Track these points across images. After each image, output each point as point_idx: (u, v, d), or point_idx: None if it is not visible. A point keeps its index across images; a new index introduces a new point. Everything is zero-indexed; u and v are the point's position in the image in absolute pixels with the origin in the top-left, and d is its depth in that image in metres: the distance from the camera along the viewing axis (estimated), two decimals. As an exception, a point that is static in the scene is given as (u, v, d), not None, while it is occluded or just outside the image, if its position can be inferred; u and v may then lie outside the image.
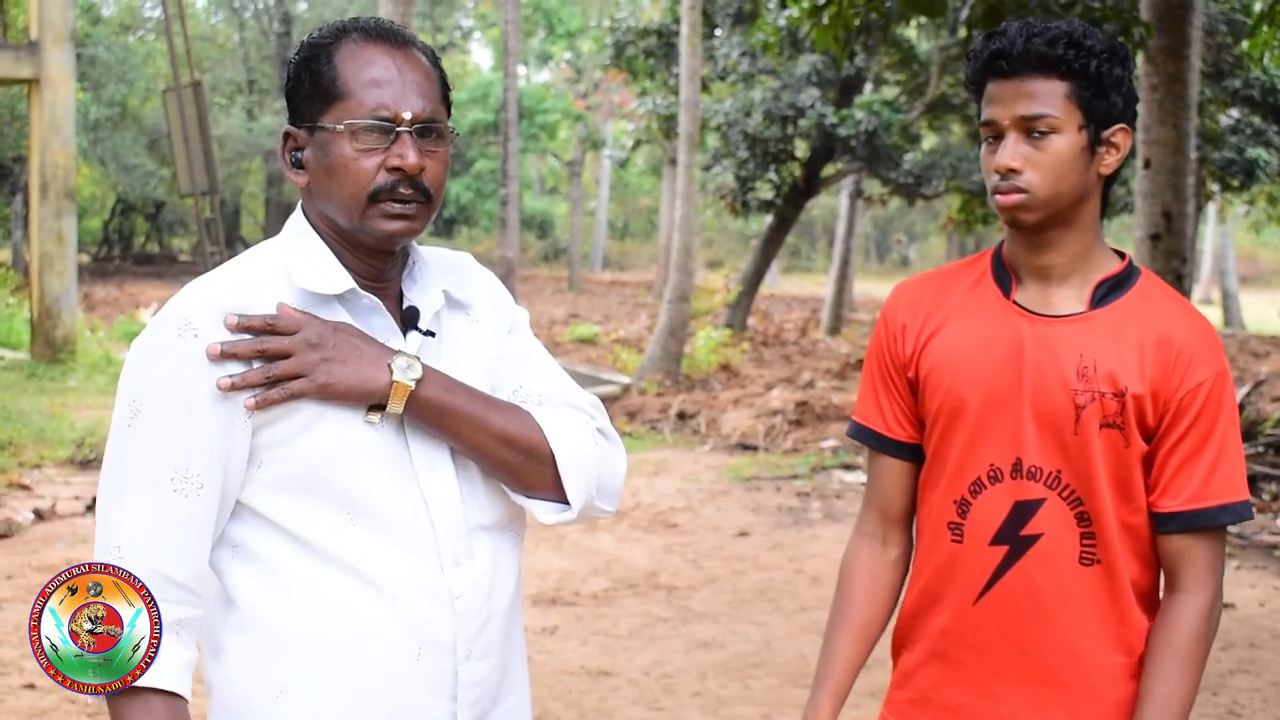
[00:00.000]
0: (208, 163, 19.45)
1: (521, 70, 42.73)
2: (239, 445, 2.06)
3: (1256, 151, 21.63)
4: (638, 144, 29.08)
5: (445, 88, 2.19)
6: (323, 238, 2.16)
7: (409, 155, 2.08)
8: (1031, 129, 2.31)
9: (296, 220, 2.20)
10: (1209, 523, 2.35)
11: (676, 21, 21.83)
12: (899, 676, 2.57)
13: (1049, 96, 2.31)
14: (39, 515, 9.37)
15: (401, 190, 2.09)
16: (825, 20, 8.84)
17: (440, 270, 2.26)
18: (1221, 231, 36.62)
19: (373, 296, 2.15)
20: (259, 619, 2.10)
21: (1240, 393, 12.34)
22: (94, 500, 9.60)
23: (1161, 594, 2.42)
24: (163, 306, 2.09)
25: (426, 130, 2.12)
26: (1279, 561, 9.12)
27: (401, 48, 2.13)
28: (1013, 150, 2.32)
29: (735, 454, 13.45)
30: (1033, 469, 2.37)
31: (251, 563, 2.10)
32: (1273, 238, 43.73)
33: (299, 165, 2.16)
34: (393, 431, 2.12)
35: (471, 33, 49.13)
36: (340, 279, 2.12)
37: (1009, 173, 2.33)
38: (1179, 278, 9.42)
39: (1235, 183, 22.44)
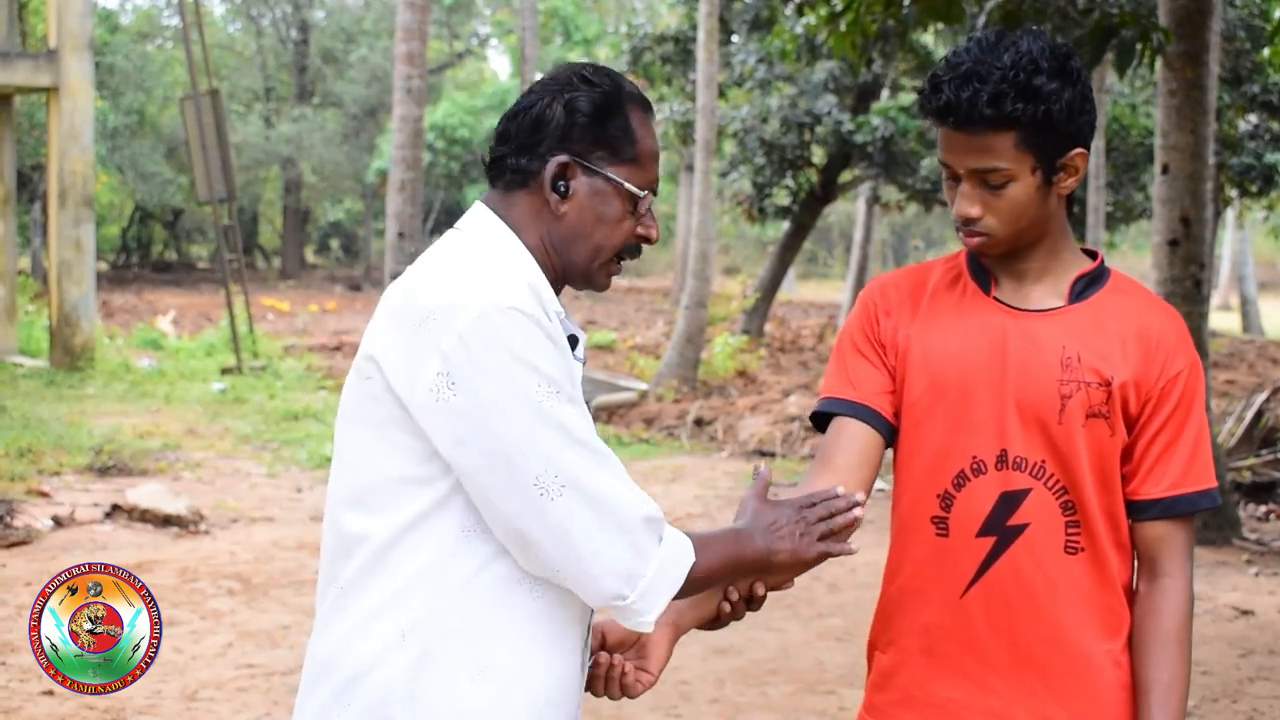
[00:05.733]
0: (225, 170, 19.51)
1: (539, 77, 42.72)
2: None
3: (1275, 157, 21.56)
4: (654, 151, 29.02)
5: None
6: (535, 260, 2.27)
7: (654, 230, 2.31)
8: (986, 180, 2.34)
9: (507, 235, 2.26)
10: (1189, 508, 2.42)
11: (694, 28, 21.84)
12: (878, 678, 2.56)
13: (999, 150, 2.32)
14: (58, 522, 9.39)
15: (634, 253, 2.32)
16: (843, 28, 8.83)
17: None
18: (1240, 237, 36.50)
19: (569, 323, 2.28)
20: (479, 593, 2.16)
21: (1259, 399, 12.28)
22: (113, 507, 9.64)
23: (1137, 582, 2.46)
24: (470, 298, 2.13)
25: None
26: (1299, 568, 9.08)
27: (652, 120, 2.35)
28: (970, 199, 2.37)
29: (753, 460, 13.43)
30: (1018, 459, 2.40)
31: (484, 541, 2.16)
32: (1292, 243, 43.56)
33: (563, 193, 2.26)
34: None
35: (488, 40, 49.21)
36: (559, 304, 2.27)
37: (969, 219, 2.38)
38: (1197, 283, 9.39)
39: (1254, 188, 22.39)
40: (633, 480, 2.19)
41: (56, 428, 13.25)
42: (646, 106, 2.31)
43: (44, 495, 10.33)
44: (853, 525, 2.33)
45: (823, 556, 2.29)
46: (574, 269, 2.28)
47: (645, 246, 2.31)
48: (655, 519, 2.15)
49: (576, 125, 2.25)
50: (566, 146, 2.25)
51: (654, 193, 2.29)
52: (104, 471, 11.46)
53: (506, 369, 2.08)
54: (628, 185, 2.25)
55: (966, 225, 2.38)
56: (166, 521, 9.51)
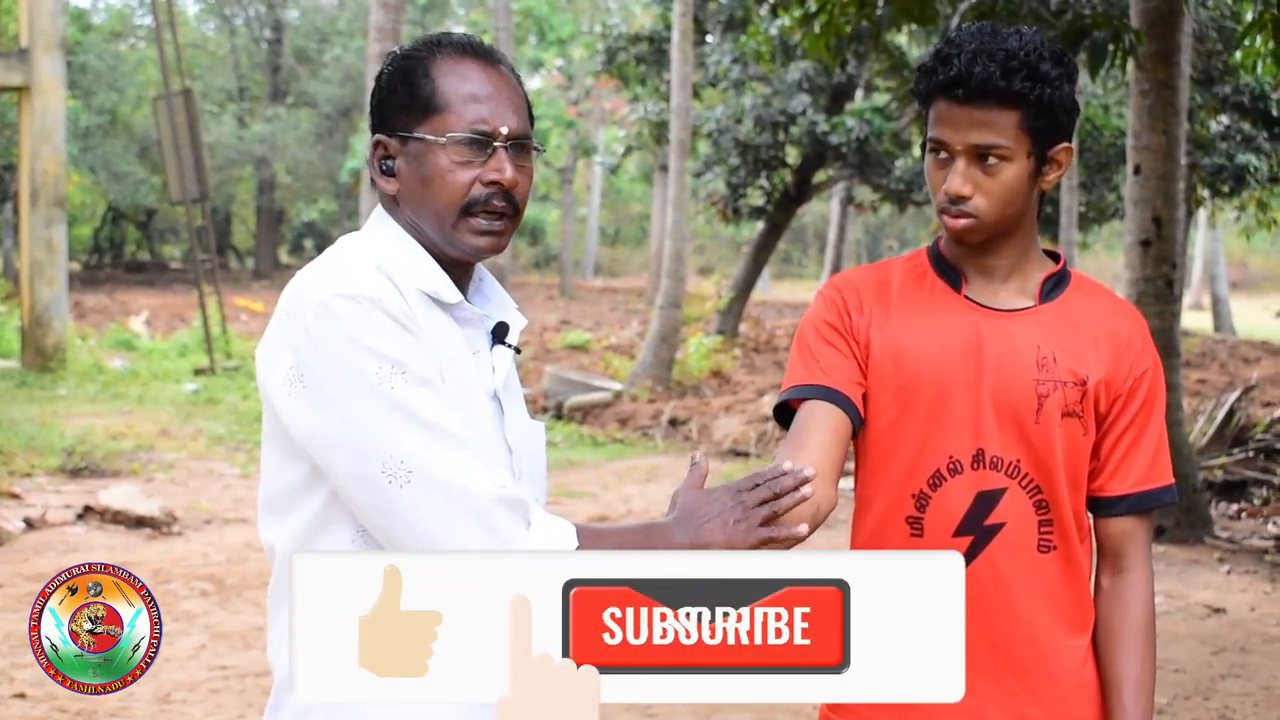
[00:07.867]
0: (198, 170, 19.44)
1: (512, 77, 42.54)
2: None
3: (1246, 157, 21.66)
4: (629, 150, 29.07)
5: (530, 106, 2.24)
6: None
7: (506, 170, 2.14)
8: (983, 155, 2.34)
9: (388, 223, 2.20)
10: (1155, 503, 2.47)
11: (668, 28, 21.85)
12: None
13: (1002, 127, 2.32)
14: (29, 524, 9.34)
15: (495, 203, 2.15)
16: (816, 29, 8.85)
17: (503, 291, 2.31)
18: (1212, 237, 36.67)
19: (475, 309, 2.19)
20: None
21: (1230, 398, 12.34)
22: (85, 509, 9.60)
23: (1098, 577, 2.50)
24: (315, 290, 2.06)
25: (519, 146, 2.18)
26: (1269, 566, 9.13)
27: (495, 65, 2.19)
28: (963, 176, 2.35)
29: (727, 460, 13.44)
30: (994, 459, 2.40)
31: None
32: (1263, 244, 43.80)
33: (389, 173, 2.18)
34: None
35: (462, 40, 49.10)
36: (452, 289, 2.16)
37: (959, 198, 2.36)
38: (1169, 283, 9.44)
39: (1225, 189, 22.48)
40: (487, 465, 2.05)
41: (28, 429, 13.19)
42: (464, 50, 2.18)
43: (15, 497, 10.28)
44: (802, 506, 2.12)
45: (764, 544, 2.06)
46: (434, 241, 2.16)
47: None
48: (515, 501, 2.00)
49: (383, 100, 2.19)
50: (381, 126, 2.19)
51: (484, 133, 2.14)
52: (76, 473, 11.42)
53: (345, 356, 2.00)
54: (431, 137, 2.13)
55: (955, 204, 2.36)
56: (139, 523, 9.48)
